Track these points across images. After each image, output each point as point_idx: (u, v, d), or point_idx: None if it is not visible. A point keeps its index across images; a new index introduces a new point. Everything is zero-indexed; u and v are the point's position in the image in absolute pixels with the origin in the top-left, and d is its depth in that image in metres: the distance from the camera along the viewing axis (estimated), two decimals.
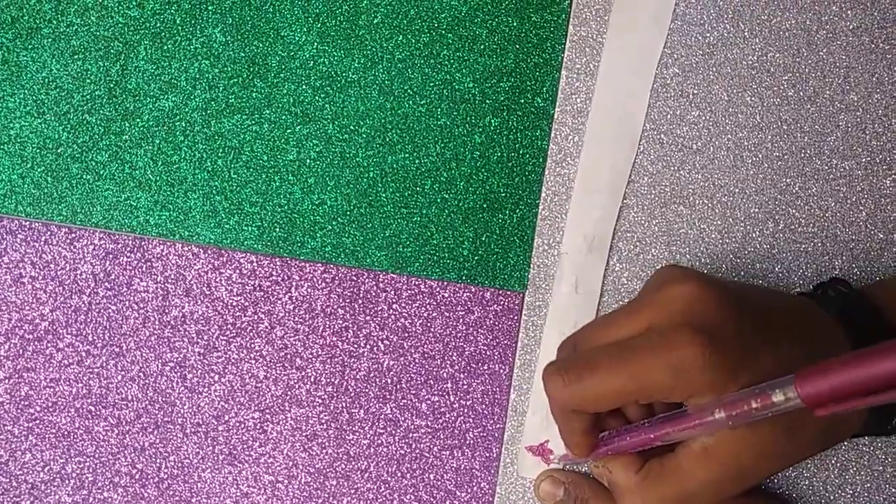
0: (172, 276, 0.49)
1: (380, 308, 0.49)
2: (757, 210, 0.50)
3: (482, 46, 0.50)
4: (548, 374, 0.41)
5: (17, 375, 0.49)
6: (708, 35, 0.50)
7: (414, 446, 0.49)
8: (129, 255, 0.49)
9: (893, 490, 0.50)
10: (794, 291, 0.50)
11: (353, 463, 0.49)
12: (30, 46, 0.49)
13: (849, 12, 0.50)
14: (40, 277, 0.49)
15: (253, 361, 0.49)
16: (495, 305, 0.50)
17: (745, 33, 0.50)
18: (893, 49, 0.50)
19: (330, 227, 0.49)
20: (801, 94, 0.50)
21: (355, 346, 0.49)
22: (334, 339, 0.49)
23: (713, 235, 0.50)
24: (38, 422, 0.49)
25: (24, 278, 0.49)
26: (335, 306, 0.49)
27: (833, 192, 0.50)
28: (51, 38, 0.49)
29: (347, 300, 0.49)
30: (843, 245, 0.50)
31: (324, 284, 0.49)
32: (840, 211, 0.50)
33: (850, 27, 0.50)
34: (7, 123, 0.49)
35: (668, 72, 0.50)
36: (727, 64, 0.50)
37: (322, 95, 0.49)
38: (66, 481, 0.49)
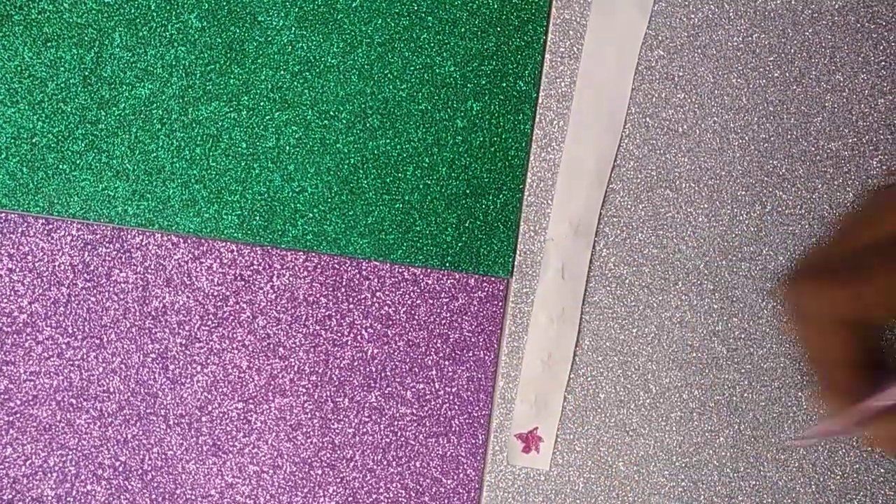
0: (152, 267, 0.48)
1: (363, 296, 0.49)
2: (744, 192, 0.50)
3: (463, 29, 0.49)
4: (800, 282, 0.33)
5: None
6: (693, 16, 0.49)
7: (399, 434, 0.49)
8: (107, 245, 0.48)
9: (882, 470, 0.50)
10: (783, 273, 0.50)
11: (339, 452, 0.49)
12: (0, 34, 0.48)
13: None
14: (18, 269, 0.48)
15: (235, 351, 0.49)
16: (479, 292, 0.49)
17: (730, 14, 0.50)
18: (879, 28, 0.50)
19: (311, 215, 0.49)
20: (787, 75, 0.50)
21: (339, 334, 0.49)
22: (317, 327, 0.49)
23: (700, 219, 0.50)
24: (18, 415, 0.48)
25: (2, 270, 0.48)
26: (318, 295, 0.49)
27: (820, 173, 0.50)
28: (22, 26, 0.48)
29: (330, 288, 0.49)
30: (832, 226, 0.50)
31: (306, 273, 0.49)
32: (827, 192, 0.50)
33: (836, 6, 0.50)
34: None
35: (652, 54, 0.49)
36: (712, 45, 0.50)
37: (301, 81, 0.49)
38: (49, 475, 0.48)
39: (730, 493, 0.49)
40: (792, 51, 0.50)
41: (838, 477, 0.49)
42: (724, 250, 0.50)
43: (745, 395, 0.49)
